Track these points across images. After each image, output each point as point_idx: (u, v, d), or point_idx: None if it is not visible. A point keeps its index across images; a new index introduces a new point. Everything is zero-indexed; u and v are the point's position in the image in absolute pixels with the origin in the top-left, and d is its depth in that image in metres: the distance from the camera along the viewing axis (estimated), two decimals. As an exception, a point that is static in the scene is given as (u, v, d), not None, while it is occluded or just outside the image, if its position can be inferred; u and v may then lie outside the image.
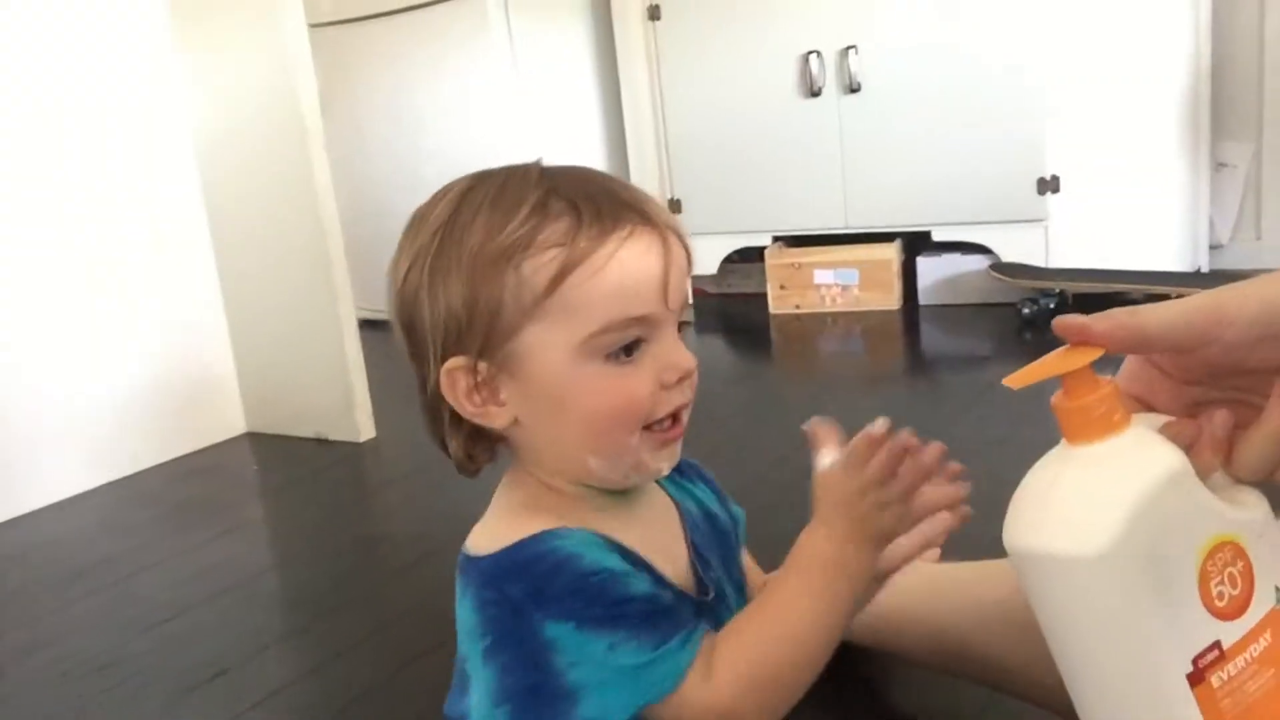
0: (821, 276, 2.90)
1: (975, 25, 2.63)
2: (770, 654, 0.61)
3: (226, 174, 2.17)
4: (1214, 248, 2.90)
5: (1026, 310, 2.57)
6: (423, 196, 2.77)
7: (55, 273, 1.96)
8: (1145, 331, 0.53)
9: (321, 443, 2.16)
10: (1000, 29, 2.61)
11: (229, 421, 2.27)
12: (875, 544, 0.62)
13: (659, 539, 0.70)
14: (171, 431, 2.16)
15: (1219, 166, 2.89)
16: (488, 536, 0.66)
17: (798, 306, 2.93)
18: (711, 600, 0.69)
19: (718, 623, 0.66)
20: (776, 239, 3.00)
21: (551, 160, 0.67)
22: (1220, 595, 0.49)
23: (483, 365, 0.62)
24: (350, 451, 2.11)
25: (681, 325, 0.66)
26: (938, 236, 2.82)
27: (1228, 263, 2.88)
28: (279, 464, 2.10)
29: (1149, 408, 0.57)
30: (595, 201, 0.62)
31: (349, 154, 2.97)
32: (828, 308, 2.90)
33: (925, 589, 1.02)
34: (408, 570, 1.53)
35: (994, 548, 1.09)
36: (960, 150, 2.71)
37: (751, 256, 2.99)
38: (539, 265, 0.61)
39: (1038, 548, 0.51)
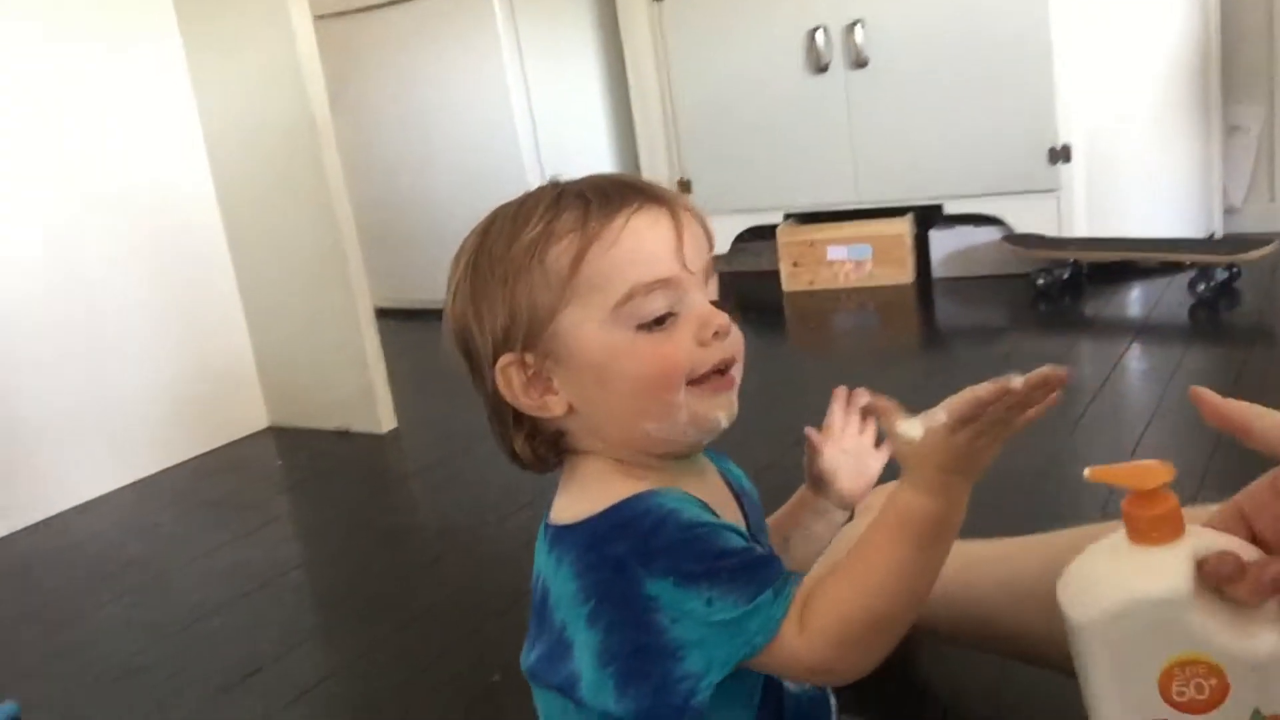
0: (834, 253, 2.90)
1: (982, -5, 2.61)
2: (866, 611, 0.62)
3: (239, 170, 2.18)
4: (1228, 211, 2.89)
5: (1041, 281, 2.56)
6: (433, 182, 2.78)
7: (73, 274, 1.98)
8: (1248, 424, 0.63)
9: (344, 435, 2.18)
10: (1007, -2, 2.59)
11: (251, 416, 2.29)
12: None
13: (723, 508, 0.72)
14: (194, 428, 2.18)
15: (1231, 130, 2.87)
16: (579, 505, 0.68)
17: (811, 283, 2.93)
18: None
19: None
20: (788, 216, 2.99)
21: (563, 173, 0.73)
22: (1181, 694, 0.61)
23: (529, 356, 0.67)
24: (373, 443, 2.13)
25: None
26: (950, 209, 2.82)
27: (1242, 226, 2.87)
28: (302, 458, 2.12)
29: (1250, 524, 0.63)
30: (602, 189, 0.67)
31: (358, 143, 2.98)
32: (841, 284, 2.90)
33: (956, 564, 1.03)
34: (434, 563, 1.54)
35: (1014, 518, 1.10)
36: (970, 122, 2.70)
37: (763, 234, 2.99)
38: (559, 252, 0.65)
39: (1062, 605, 0.64)
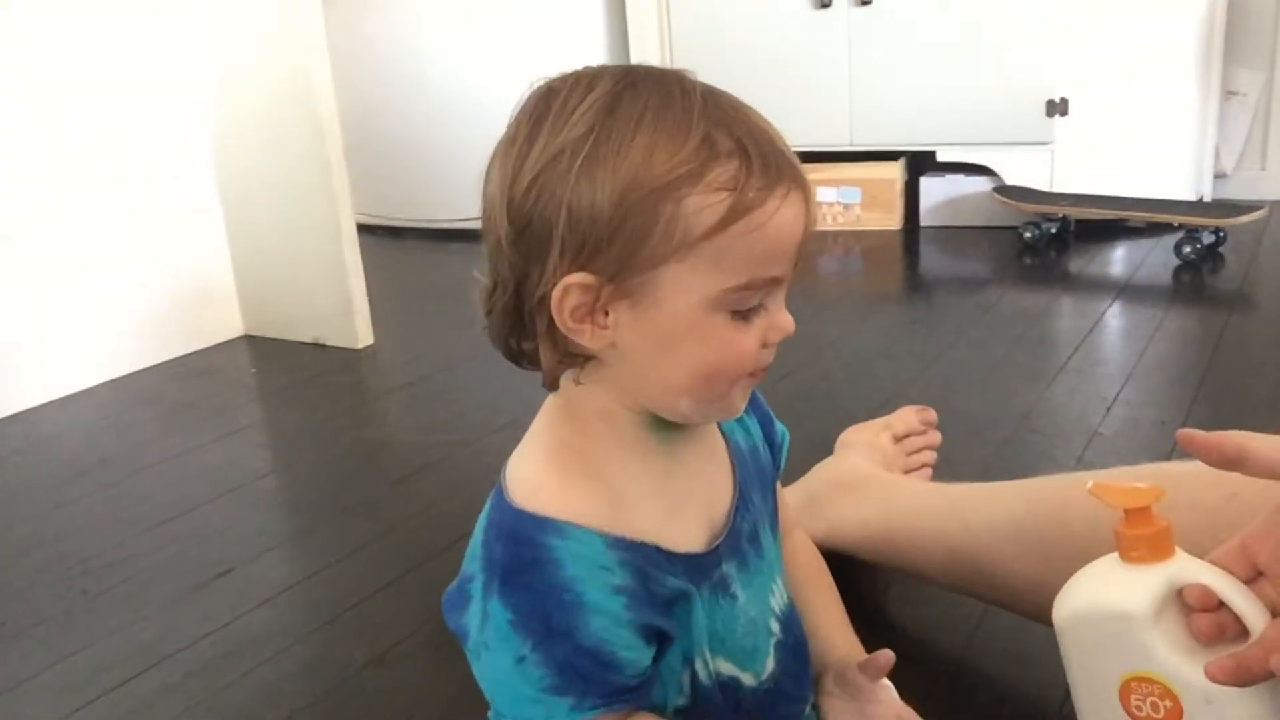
0: (824, 194, 2.88)
1: (991, -60, 2.57)
2: None
3: (224, 73, 2.13)
4: (1218, 176, 2.89)
5: (1028, 234, 2.56)
6: (424, 104, 2.70)
7: (55, 174, 1.94)
8: (1245, 458, 0.63)
9: (319, 347, 2.17)
10: (1017, -55, 2.55)
11: (227, 323, 2.27)
12: None
13: (702, 479, 0.70)
14: (170, 332, 2.15)
15: (1229, 94, 2.86)
16: (520, 471, 0.65)
17: (798, 224, 2.91)
18: (711, 555, 0.68)
19: (717, 577, 0.67)
20: (779, 154, 2.96)
21: (695, 76, 0.62)
22: (1139, 709, 0.65)
23: (608, 288, 0.59)
24: (348, 357, 2.11)
25: None
26: (942, 157, 2.80)
27: (1231, 192, 2.87)
28: (277, 368, 2.10)
29: (1253, 555, 0.64)
30: (761, 148, 0.59)
31: (347, 53, 2.91)
32: (829, 226, 2.89)
33: (939, 508, 1.04)
34: (408, 478, 1.54)
35: (991, 464, 1.10)
36: (970, 69, 2.67)
37: (753, 172, 2.96)
38: (704, 205, 0.57)
39: (1054, 603, 0.69)
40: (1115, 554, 0.66)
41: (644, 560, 0.63)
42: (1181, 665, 0.63)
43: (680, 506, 0.68)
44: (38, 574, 1.32)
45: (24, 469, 1.67)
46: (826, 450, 1.23)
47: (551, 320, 0.60)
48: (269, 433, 1.84)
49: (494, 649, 0.61)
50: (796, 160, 0.61)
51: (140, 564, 1.32)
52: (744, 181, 0.57)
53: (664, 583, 0.64)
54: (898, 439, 1.23)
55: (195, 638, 1.14)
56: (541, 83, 0.62)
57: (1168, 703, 0.64)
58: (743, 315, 0.60)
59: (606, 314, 0.60)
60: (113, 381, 2.03)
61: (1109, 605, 0.65)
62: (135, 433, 1.79)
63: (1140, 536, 0.64)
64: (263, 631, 1.15)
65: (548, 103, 0.60)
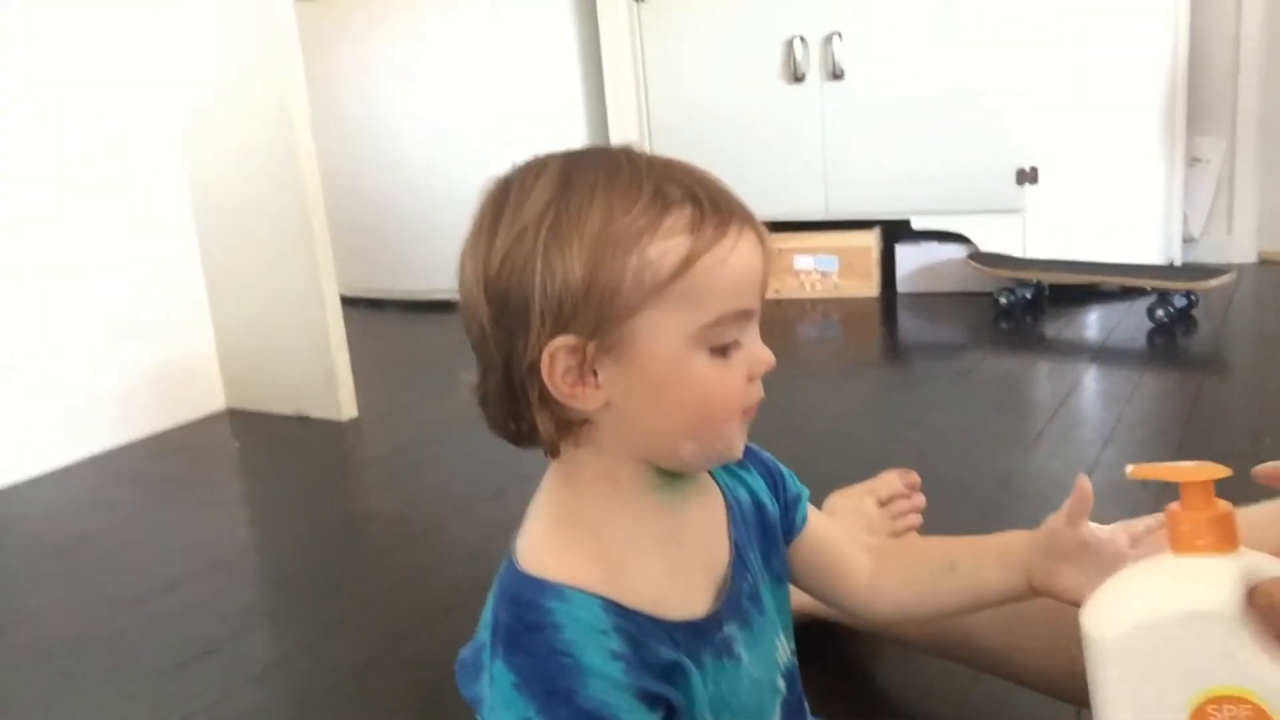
0: (801, 262, 2.92)
1: (958, 17, 2.65)
2: None
3: (209, 147, 2.16)
4: (1186, 241, 2.95)
5: (1003, 300, 2.60)
6: (403, 175, 2.73)
7: (38, 248, 1.95)
8: None
9: (302, 420, 2.16)
10: (982, 21, 2.63)
11: (209, 398, 2.27)
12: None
13: (699, 538, 0.70)
14: (152, 407, 2.15)
15: (1193, 161, 2.94)
16: (526, 540, 0.67)
17: (777, 292, 2.95)
18: (712, 619, 0.68)
19: (719, 640, 0.68)
20: (757, 224, 3.01)
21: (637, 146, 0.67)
22: None
23: (591, 346, 0.61)
24: (332, 430, 2.11)
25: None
26: (917, 225, 2.85)
27: (1200, 256, 2.94)
28: (260, 442, 2.10)
29: None
30: (709, 193, 0.63)
31: (328, 132, 2.95)
32: (807, 294, 2.93)
33: (928, 574, 1.04)
34: (392, 550, 1.53)
35: (973, 528, 1.11)
36: (941, 140, 2.74)
37: (732, 241, 3.00)
38: (665, 250, 0.60)
39: (1083, 624, 0.57)
40: (1163, 555, 0.56)
41: (636, 629, 0.63)
42: (1260, 667, 0.51)
43: (683, 568, 0.68)
44: (19, 653, 1.30)
45: (3, 546, 1.65)
46: (811, 516, 1.24)
47: (544, 390, 0.62)
48: (253, 507, 1.83)
49: (499, 711, 0.61)
50: (744, 203, 0.65)
51: (124, 642, 1.30)
52: (699, 223, 0.61)
53: (658, 653, 0.64)
54: (882, 503, 1.24)
55: (181, 718, 1.13)
56: (496, 177, 0.66)
57: None
58: (722, 352, 0.63)
59: (596, 374, 0.62)
60: (94, 457, 2.02)
61: (1182, 605, 0.53)
62: (117, 509, 1.78)
63: (1205, 520, 0.53)
64: (250, 710, 1.14)
65: (506, 190, 0.64)
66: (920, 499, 1.27)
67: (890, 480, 1.26)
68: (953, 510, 1.44)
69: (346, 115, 3.14)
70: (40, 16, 1.94)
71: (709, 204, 0.62)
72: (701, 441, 0.65)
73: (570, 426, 0.65)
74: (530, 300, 0.61)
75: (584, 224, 0.60)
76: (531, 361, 0.61)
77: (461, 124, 3.02)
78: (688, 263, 0.60)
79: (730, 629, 0.69)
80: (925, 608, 0.77)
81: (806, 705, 0.77)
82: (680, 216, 0.61)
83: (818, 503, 1.25)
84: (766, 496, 0.77)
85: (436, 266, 2.98)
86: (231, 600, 1.42)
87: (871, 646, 1.13)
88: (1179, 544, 0.54)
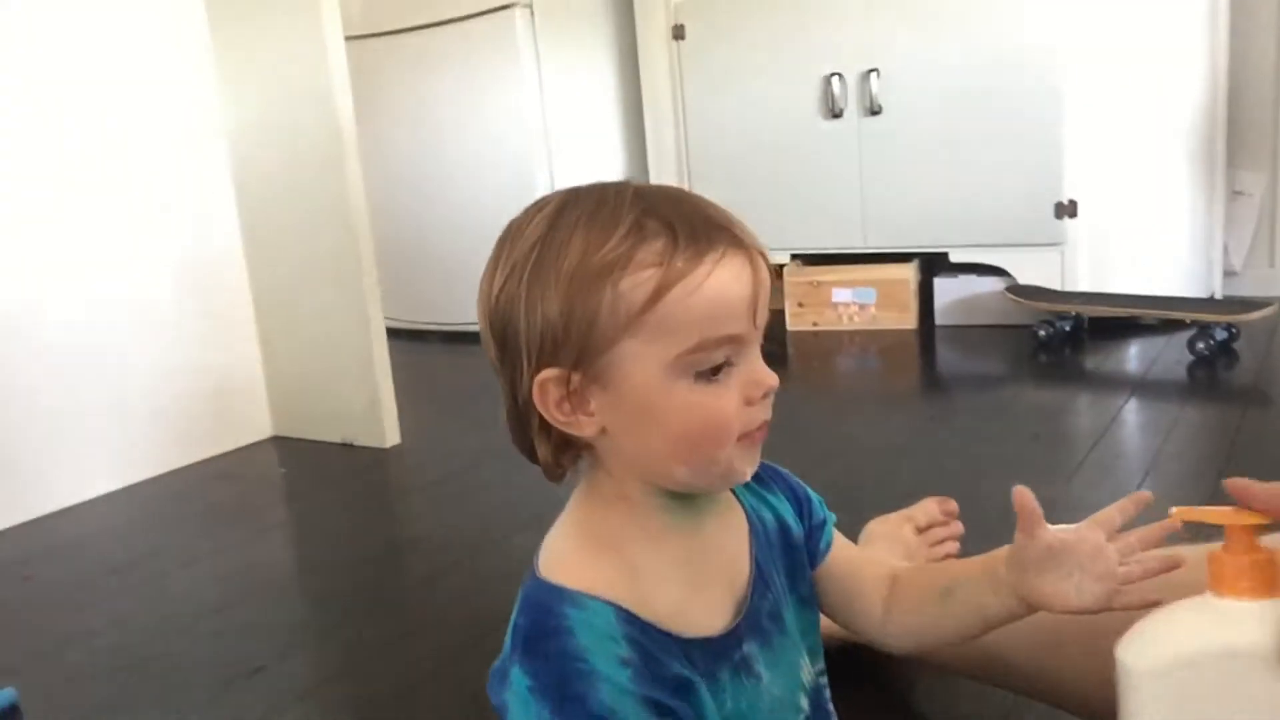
0: (839, 295, 2.94)
1: (996, 51, 2.67)
2: None
3: (261, 178, 2.22)
4: (1228, 274, 2.94)
5: (1042, 333, 2.60)
6: (447, 209, 2.79)
7: (89, 276, 2.01)
8: None
9: (347, 448, 2.20)
10: (1020, 54, 2.64)
11: (256, 425, 2.31)
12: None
13: (720, 555, 0.72)
14: (200, 433, 2.20)
15: (1234, 194, 2.93)
16: (547, 551, 0.69)
17: (815, 324, 2.96)
18: (730, 636, 0.70)
19: (738, 658, 0.69)
20: (795, 257, 3.04)
21: (638, 181, 0.69)
22: None
23: (575, 377, 0.64)
24: (376, 457, 2.15)
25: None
26: (955, 258, 2.86)
27: (1241, 290, 2.92)
28: (305, 468, 2.14)
29: None
30: (689, 223, 0.64)
31: (375, 166, 3.02)
32: (845, 326, 2.94)
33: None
34: (436, 576, 1.56)
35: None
36: (979, 173, 2.75)
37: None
38: (636, 283, 0.62)
39: (1119, 655, 0.58)
40: (1203, 595, 0.57)
41: (649, 641, 0.65)
42: None
43: (702, 585, 0.70)
44: (75, 669, 1.33)
45: (59, 567, 1.70)
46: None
47: (542, 417, 0.66)
48: (299, 531, 1.87)
49: (517, 713, 0.64)
50: (738, 227, 0.66)
51: (175, 660, 1.34)
52: (670, 255, 0.63)
53: (669, 667, 0.65)
54: (920, 530, 1.25)
55: (231, 733, 1.16)
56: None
57: None
58: (708, 376, 0.64)
59: (589, 402, 0.65)
60: (145, 483, 2.07)
61: (1220, 643, 0.54)
62: (168, 533, 1.82)
63: (1248, 564, 0.55)
64: (297, 726, 1.17)
65: (508, 230, 0.68)
66: (958, 527, 1.28)
67: (929, 508, 1.27)
68: (994, 540, 1.44)
69: (393, 151, 3.21)
70: (98, 43, 2.01)
71: (685, 233, 0.63)
72: (693, 466, 0.66)
73: (567, 451, 0.69)
74: (519, 335, 0.65)
75: (561, 261, 0.63)
76: (526, 393, 0.66)
77: (504, 161, 3.07)
78: (658, 294, 0.62)
79: (750, 647, 0.70)
80: (934, 635, 0.77)
81: None
82: (652, 249, 0.63)
83: (857, 529, 1.27)
84: (792, 519, 0.78)
85: (476, 299, 3.03)
86: (278, 621, 1.45)
87: (909, 671, 1.13)
88: (1221, 586, 0.56)
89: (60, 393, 1.96)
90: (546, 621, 0.64)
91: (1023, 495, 0.69)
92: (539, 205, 0.68)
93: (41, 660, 1.37)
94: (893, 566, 0.82)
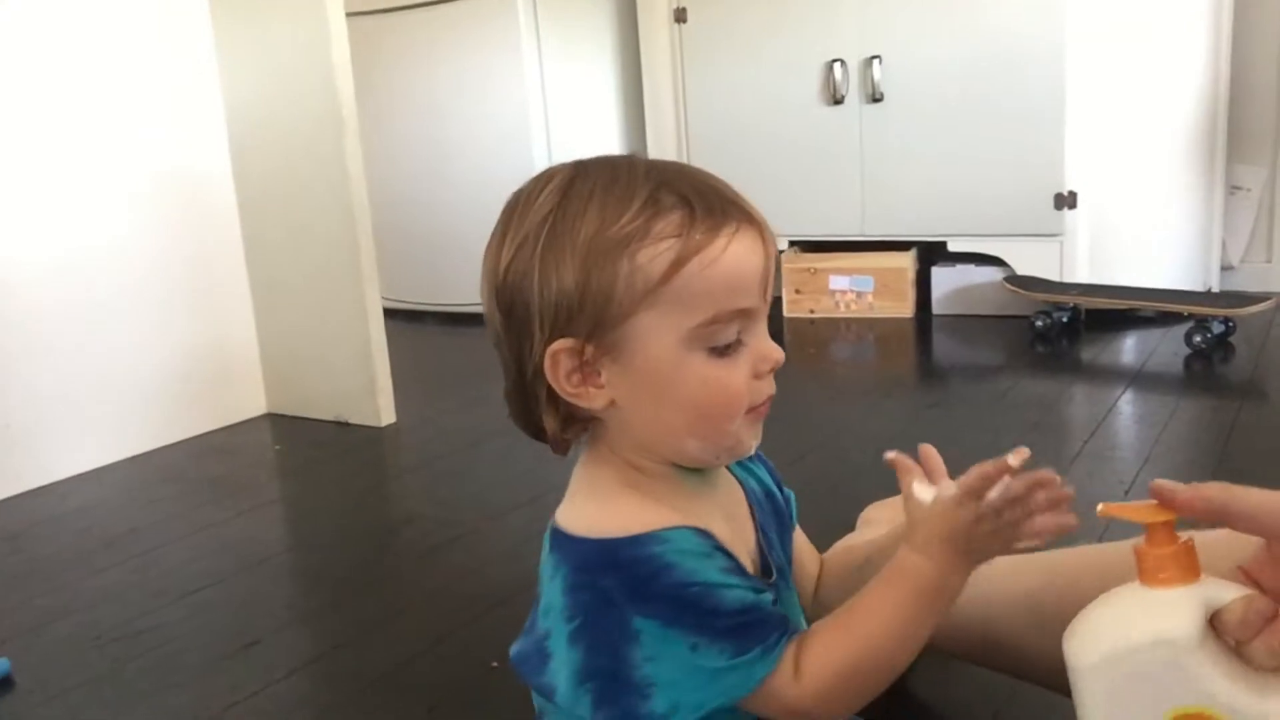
0: (837, 282, 2.93)
1: (998, 41, 2.66)
2: (858, 663, 0.64)
3: (259, 155, 2.20)
4: (1225, 269, 2.94)
5: (1039, 323, 2.60)
6: (446, 189, 2.77)
7: (84, 249, 1.99)
8: (1227, 507, 0.61)
9: (342, 426, 2.20)
10: (1022, 45, 2.64)
11: (250, 401, 2.31)
12: (974, 566, 0.65)
13: (733, 519, 0.73)
14: (194, 409, 2.19)
15: (1233, 189, 2.93)
16: (584, 516, 0.68)
17: (812, 311, 2.96)
18: (773, 582, 0.72)
19: (777, 601, 0.69)
20: (793, 244, 3.03)
21: (643, 155, 0.70)
22: None
23: (589, 348, 0.64)
24: (370, 435, 2.14)
25: None
26: (953, 247, 2.86)
27: (1238, 284, 2.92)
28: (299, 445, 2.13)
29: (1256, 584, 0.61)
30: (704, 196, 0.64)
31: (374, 144, 3.00)
32: (842, 313, 2.94)
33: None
34: (431, 553, 1.55)
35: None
36: (979, 163, 2.75)
37: (767, 260, 3.02)
38: (654, 254, 0.63)
39: (1064, 648, 0.62)
40: (1132, 584, 0.61)
41: (730, 556, 0.66)
42: (1233, 693, 0.57)
43: (731, 538, 0.70)
44: (68, 642, 1.33)
45: (52, 540, 1.69)
46: (845, 530, 1.25)
47: (550, 389, 0.66)
48: (293, 508, 1.86)
49: (662, 658, 0.63)
50: (747, 202, 0.67)
51: (168, 634, 1.33)
52: (689, 226, 0.63)
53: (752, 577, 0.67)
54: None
55: (224, 706, 1.15)
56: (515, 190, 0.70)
57: None
58: (721, 352, 0.65)
59: (600, 374, 0.65)
60: (138, 457, 2.06)
61: (1148, 634, 0.58)
62: (161, 507, 1.81)
63: (1168, 555, 0.59)
64: (292, 702, 1.16)
65: (515, 201, 0.68)
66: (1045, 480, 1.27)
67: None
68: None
69: (392, 130, 3.19)
70: (98, 21, 2.00)
71: (701, 207, 0.64)
72: (705, 439, 0.67)
73: (574, 424, 0.69)
74: (531, 306, 0.65)
75: (577, 232, 0.63)
76: (537, 363, 0.65)
77: (503, 142, 3.06)
78: (677, 265, 0.62)
79: (778, 593, 0.72)
80: None
81: None
82: (670, 221, 0.63)
83: (853, 515, 1.27)
84: (773, 485, 0.80)
85: (474, 280, 3.01)
86: (272, 597, 1.45)
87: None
88: (1146, 577, 0.60)
89: (55, 367, 1.95)
90: (642, 569, 0.63)
91: (898, 457, 0.73)
92: (547, 176, 0.67)
93: (34, 633, 1.36)
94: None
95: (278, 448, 2.14)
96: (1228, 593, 0.58)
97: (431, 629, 1.30)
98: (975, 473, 0.62)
